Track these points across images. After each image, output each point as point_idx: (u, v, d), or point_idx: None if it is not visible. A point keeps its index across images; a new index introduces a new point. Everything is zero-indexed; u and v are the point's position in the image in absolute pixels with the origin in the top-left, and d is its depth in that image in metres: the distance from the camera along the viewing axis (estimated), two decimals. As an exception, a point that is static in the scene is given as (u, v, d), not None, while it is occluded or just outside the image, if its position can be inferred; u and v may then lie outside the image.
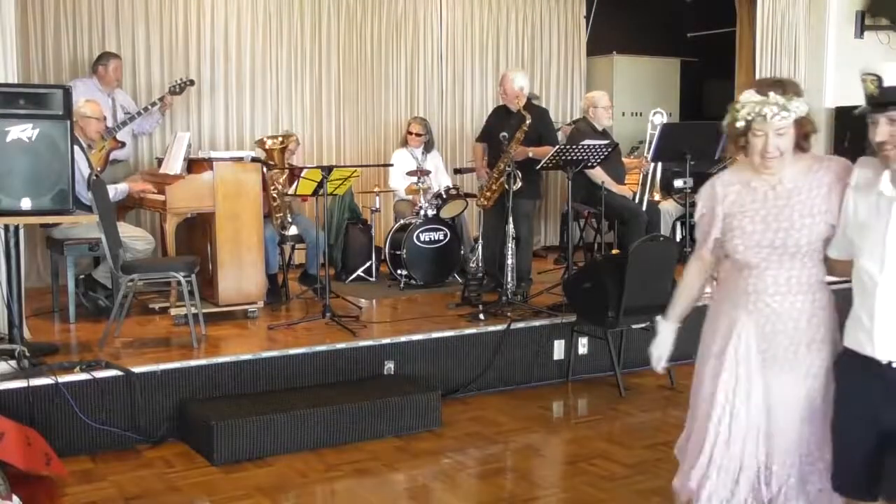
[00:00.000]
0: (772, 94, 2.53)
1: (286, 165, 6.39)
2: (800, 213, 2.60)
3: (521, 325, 5.58)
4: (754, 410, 2.69)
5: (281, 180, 6.40)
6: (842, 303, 2.67)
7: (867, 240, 2.44)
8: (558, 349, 5.67)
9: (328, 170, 5.82)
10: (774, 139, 2.55)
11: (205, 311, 5.33)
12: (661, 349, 2.93)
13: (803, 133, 2.60)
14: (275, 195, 6.35)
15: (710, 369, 2.77)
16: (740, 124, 2.58)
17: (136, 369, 4.50)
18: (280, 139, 6.39)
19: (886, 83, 2.35)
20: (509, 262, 6.04)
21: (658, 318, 2.95)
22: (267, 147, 6.33)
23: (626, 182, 7.25)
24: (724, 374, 2.71)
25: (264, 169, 6.12)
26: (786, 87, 2.56)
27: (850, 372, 2.54)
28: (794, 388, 2.66)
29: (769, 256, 2.64)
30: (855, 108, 2.49)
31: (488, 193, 6.42)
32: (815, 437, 2.67)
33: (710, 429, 2.72)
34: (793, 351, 2.66)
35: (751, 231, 2.65)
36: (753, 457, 2.70)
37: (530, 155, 6.25)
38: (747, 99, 2.57)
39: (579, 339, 5.68)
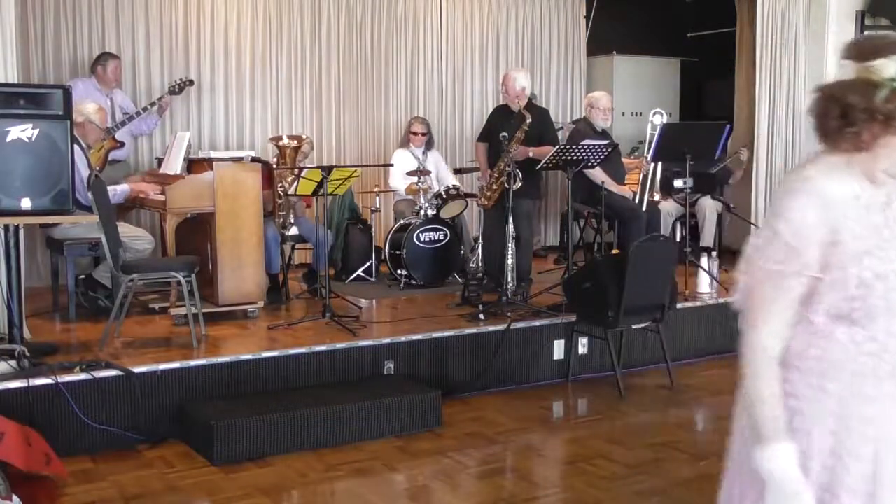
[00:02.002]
0: None
1: (295, 166, 6.39)
2: None
3: (521, 325, 5.58)
4: None
5: (289, 179, 6.40)
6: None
7: None
8: (558, 349, 5.67)
9: (328, 170, 5.82)
10: None
11: (205, 311, 5.33)
12: (799, 486, 1.79)
13: None
14: (280, 192, 6.35)
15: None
16: None
17: (136, 369, 4.49)
18: (295, 140, 6.40)
19: None
20: (509, 262, 6.04)
21: (762, 452, 1.80)
22: (281, 144, 6.33)
23: (626, 182, 7.25)
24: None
25: (274, 159, 6.12)
26: None
27: None
28: None
29: None
30: None
31: (489, 193, 6.43)
32: None
33: None
34: None
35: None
36: None
37: (531, 155, 6.25)
38: None
39: (579, 339, 5.68)
